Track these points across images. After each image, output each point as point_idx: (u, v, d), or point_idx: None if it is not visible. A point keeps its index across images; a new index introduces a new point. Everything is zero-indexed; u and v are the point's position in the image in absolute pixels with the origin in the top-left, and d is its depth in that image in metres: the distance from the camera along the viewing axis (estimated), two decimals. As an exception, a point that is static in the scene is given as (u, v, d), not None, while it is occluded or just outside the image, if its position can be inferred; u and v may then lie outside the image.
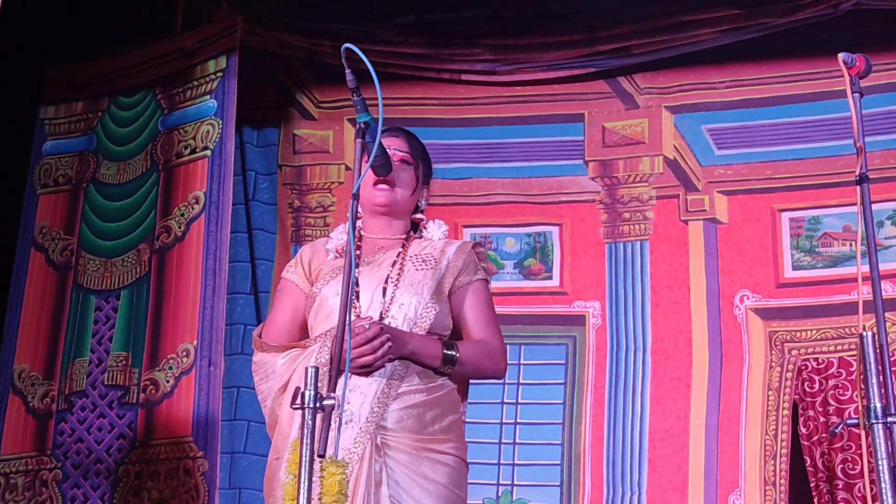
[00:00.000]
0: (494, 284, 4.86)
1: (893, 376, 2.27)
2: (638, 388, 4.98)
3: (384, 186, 3.13)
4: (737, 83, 5.20)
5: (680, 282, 5.08)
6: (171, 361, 4.78)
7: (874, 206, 2.55)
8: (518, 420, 5.05)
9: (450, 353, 3.03)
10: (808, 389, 4.82)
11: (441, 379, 3.07)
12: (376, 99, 2.68)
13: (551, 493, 4.92)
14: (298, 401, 2.46)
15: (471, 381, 3.22)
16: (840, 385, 4.77)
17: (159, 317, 4.88)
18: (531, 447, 5.00)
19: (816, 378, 4.83)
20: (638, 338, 5.04)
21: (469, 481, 3.09)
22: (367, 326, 2.90)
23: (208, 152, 5.00)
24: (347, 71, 2.77)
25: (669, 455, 4.87)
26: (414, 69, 5.36)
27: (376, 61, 2.76)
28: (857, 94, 2.50)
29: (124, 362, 4.90)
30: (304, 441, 2.40)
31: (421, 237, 3.24)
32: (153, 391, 4.78)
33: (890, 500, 2.08)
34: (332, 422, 2.49)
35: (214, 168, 4.96)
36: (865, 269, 2.39)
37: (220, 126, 5.02)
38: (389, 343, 2.92)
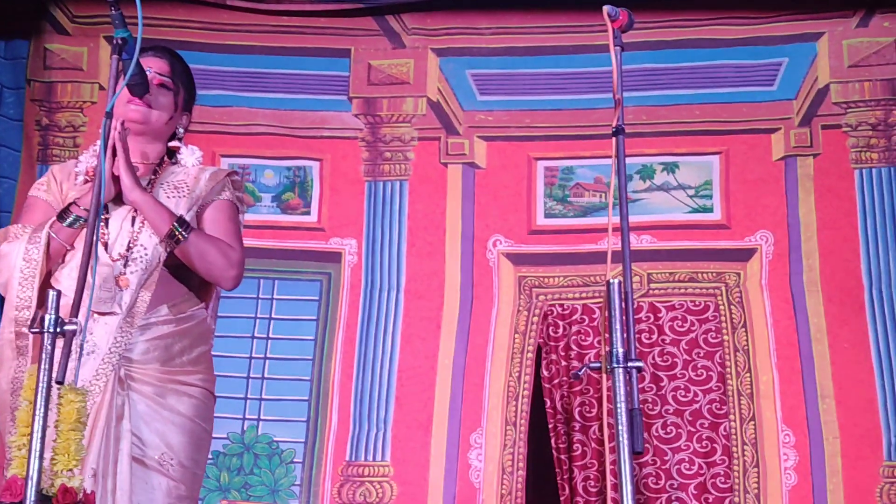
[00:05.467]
0: (251, 217, 4.80)
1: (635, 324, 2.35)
2: (389, 327, 5.01)
3: (139, 104, 3.00)
4: (502, 30, 5.27)
5: (436, 224, 5.13)
6: None
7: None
8: (268, 355, 5.01)
9: (184, 223, 2.91)
10: (552, 334, 4.97)
11: (191, 310, 2.99)
12: (136, 17, 2.56)
13: (297, 428, 4.92)
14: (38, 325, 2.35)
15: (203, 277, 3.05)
16: (582, 331, 4.95)
17: None
18: (279, 382, 4.98)
19: (561, 323, 4.98)
20: (392, 277, 5.07)
21: (214, 415, 3.03)
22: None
23: (-51, 60, 4.71)
24: (106, -18, 2.63)
25: (416, 393, 4.94)
26: (178, -11, 5.18)
27: (138, -24, 2.63)
28: (618, 48, 2.55)
29: None
30: (42, 367, 2.30)
31: (175, 163, 3.13)
32: None
33: (625, 440, 2.16)
34: (74, 350, 2.39)
35: (-45, 78, 4.69)
36: (615, 220, 2.45)
37: (-36, 34, 4.73)
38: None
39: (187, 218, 2.96)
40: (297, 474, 4.86)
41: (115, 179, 2.89)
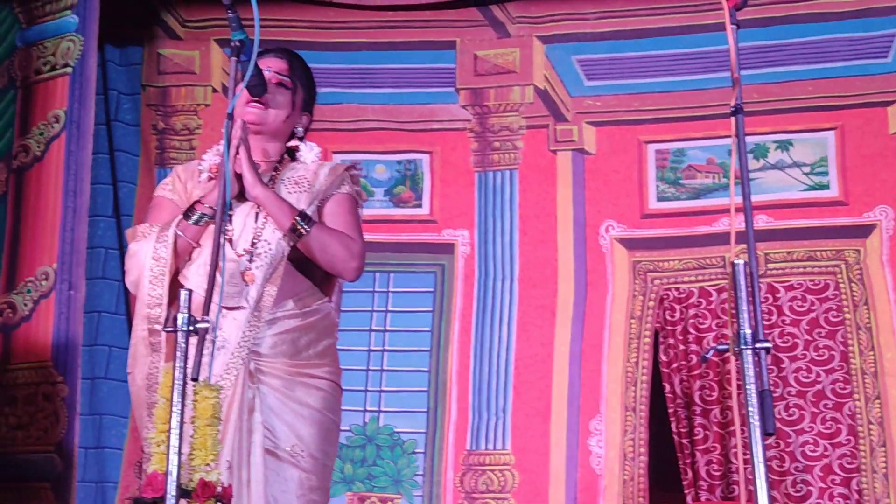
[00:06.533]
0: (364, 212, 4.85)
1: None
2: (505, 316, 5.03)
3: (256, 104, 3.06)
4: (607, 14, 5.23)
5: (547, 211, 5.13)
6: (29, 284, 4.64)
7: (737, 140, 2.58)
8: (386, 347, 5.06)
9: (306, 217, 2.97)
10: (668, 318, 4.94)
11: (316, 304, 3.04)
12: (250, 18, 2.61)
13: (418, 419, 4.96)
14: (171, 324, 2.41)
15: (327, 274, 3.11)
16: (700, 314, 4.90)
17: (17, 238, 4.73)
18: (398, 374, 5.03)
19: (677, 307, 4.94)
20: (506, 266, 5.08)
21: (337, 407, 3.08)
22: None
23: (69, 69, 4.83)
24: (222, -15, 2.69)
25: (533, 381, 4.95)
26: (284, -10, 5.25)
27: (246, -21, 2.69)
28: (734, 26, 2.52)
29: (-21, 285, 4.74)
30: (177, 365, 2.36)
31: (294, 160, 3.19)
32: (10, 314, 4.64)
33: (757, 423, 2.14)
34: (206, 346, 2.45)
35: (75, 86, 4.80)
36: (738, 200, 2.42)
37: (82, 43, 4.85)
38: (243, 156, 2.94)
39: (308, 212, 3.01)
40: (420, 464, 4.90)
41: (238, 177, 2.95)
